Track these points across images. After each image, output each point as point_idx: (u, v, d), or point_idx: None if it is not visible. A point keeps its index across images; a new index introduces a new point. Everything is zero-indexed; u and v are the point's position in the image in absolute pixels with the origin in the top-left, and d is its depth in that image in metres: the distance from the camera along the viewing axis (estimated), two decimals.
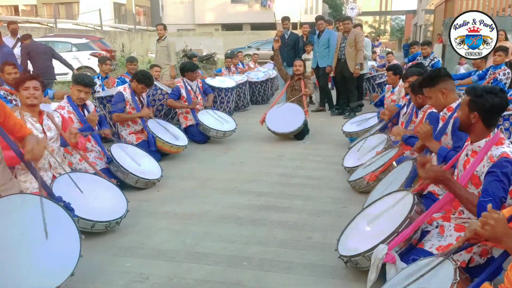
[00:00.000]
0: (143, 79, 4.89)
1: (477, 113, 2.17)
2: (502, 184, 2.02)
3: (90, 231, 3.03)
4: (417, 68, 4.43)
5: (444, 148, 2.82)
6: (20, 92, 3.21)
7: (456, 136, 2.76)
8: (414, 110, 3.83)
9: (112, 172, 3.94)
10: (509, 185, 2.04)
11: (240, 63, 10.37)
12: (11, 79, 4.56)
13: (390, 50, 13.36)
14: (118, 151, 4.09)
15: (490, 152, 2.13)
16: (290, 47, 8.25)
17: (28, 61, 7.42)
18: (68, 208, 2.52)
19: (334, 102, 8.21)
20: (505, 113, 3.49)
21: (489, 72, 5.83)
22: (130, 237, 3.12)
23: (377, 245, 2.24)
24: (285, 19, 8.29)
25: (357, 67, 7.38)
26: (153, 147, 4.77)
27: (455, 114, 2.81)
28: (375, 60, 11.61)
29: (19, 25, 10.42)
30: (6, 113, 2.41)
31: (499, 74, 5.64)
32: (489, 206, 1.74)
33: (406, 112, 4.09)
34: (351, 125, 5.73)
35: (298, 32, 10.28)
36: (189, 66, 6.09)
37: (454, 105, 2.91)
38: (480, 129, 2.21)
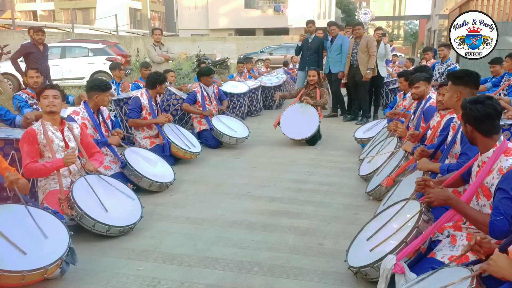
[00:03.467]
0: (158, 78, 4.99)
1: (468, 124, 2.21)
2: None
3: (104, 235, 3.10)
4: (422, 73, 4.37)
5: (444, 164, 2.86)
6: (41, 100, 3.33)
7: (463, 142, 2.76)
8: (422, 116, 3.83)
9: (126, 176, 4.00)
10: None
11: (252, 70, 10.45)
12: (32, 82, 4.68)
13: (410, 57, 13.47)
14: (132, 155, 4.16)
15: (500, 163, 2.11)
16: (313, 51, 8.15)
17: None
18: (54, 212, 2.76)
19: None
20: (506, 122, 3.44)
21: (504, 78, 5.75)
22: (143, 240, 3.17)
23: (386, 255, 2.24)
24: (310, 22, 8.26)
25: (368, 71, 7.35)
26: (167, 152, 4.84)
27: None
28: (395, 63, 11.70)
29: None
30: None
31: None
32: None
33: (414, 118, 4.08)
34: (363, 132, 5.72)
35: None
36: (204, 71, 6.15)
37: None
38: (481, 140, 2.22)
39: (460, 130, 2.82)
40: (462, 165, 2.64)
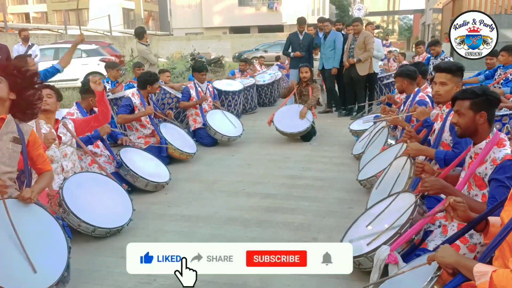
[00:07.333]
0: (149, 79, 4.97)
1: (485, 112, 2.19)
2: (509, 190, 2.02)
3: (90, 235, 3.08)
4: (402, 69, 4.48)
5: (440, 151, 2.85)
6: None
7: (454, 131, 2.77)
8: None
9: (122, 176, 4.00)
10: None
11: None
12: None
13: (402, 52, 13.44)
14: (127, 155, 4.15)
15: (493, 154, 2.12)
16: (306, 48, 8.23)
17: None
18: (57, 218, 2.50)
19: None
20: (497, 113, 3.48)
21: (499, 72, 5.75)
22: (138, 239, 3.17)
23: (380, 246, 2.26)
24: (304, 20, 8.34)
25: (355, 59, 7.36)
26: (164, 152, 4.85)
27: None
28: (390, 60, 11.68)
29: (30, 32, 10.55)
30: (37, 144, 2.51)
31: (510, 74, 5.57)
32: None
33: (402, 109, 4.12)
34: (358, 124, 5.75)
35: None
36: (196, 67, 6.23)
37: None
38: (484, 129, 2.22)
39: (448, 118, 2.85)
40: (458, 154, 2.67)
